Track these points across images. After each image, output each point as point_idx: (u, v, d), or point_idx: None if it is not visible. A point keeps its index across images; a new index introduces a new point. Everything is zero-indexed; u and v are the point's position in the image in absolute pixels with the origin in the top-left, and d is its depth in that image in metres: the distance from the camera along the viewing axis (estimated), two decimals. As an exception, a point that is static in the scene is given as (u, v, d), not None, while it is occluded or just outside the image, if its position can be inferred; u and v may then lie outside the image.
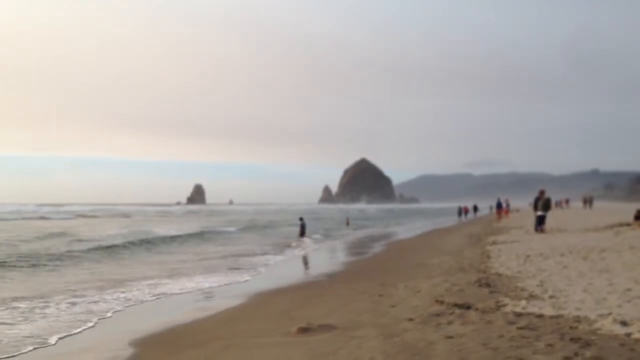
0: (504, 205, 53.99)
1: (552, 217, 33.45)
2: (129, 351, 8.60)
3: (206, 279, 16.74)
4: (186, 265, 21.17)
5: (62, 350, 8.83)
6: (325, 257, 24.96)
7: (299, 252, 26.94)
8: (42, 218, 75.35)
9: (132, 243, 30.45)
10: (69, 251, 25.02)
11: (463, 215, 71.68)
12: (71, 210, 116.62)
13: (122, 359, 8.14)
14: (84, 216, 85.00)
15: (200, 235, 38.75)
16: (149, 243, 31.37)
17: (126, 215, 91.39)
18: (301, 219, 37.25)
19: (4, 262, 20.59)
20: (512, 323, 7.89)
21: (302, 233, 35.54)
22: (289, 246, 30.39)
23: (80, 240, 32.46)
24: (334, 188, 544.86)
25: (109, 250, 26.62)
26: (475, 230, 36.91)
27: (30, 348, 8.82)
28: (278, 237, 38.12)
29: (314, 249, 29.40)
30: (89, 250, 25.85)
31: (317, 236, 38.63)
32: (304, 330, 8.60)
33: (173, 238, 35.36)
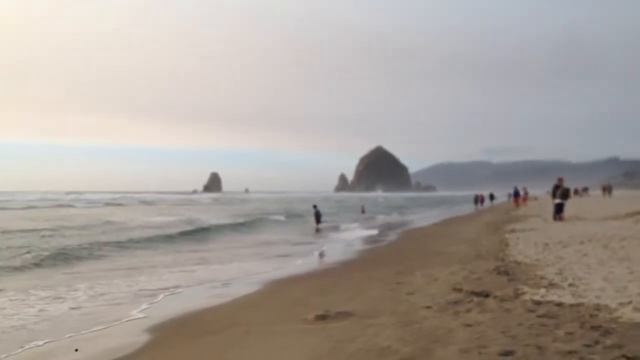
0: (521, 193, 53.65)
1: (571, 205, 33.17)
2: (145, 337, 8.66)
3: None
4: (270, 250, 22.01)
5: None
6: (342, 244, 24.92)
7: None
8: (69, 206, 75.41)
9: (193, 231, 30.60)
10: (130, 240, 25.29)
11: (479, 204, 71.34)
12: (93, 198, 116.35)
13: (138, 345, 8.19)
14: (111, 204, 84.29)
15: (254, 223, 39.10)
16: (204, 230, 31.62)
17: (150, 204, 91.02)
18: (315, 206, 37.30)
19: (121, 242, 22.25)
20: (531, 311, 7.83)
21: (318, 220, 35.54)
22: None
23: (133, 228, 33.00)
24: (350, 176, 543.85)
25: (171, 238, 26.97)
26: (492, 218, 36.74)
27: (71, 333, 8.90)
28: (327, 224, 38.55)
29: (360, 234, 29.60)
30: (154, 237, 26.30)
31: (356, 223, 40.28)
32: (322, 318, 8.60)
33: (233, 226, 35.71)
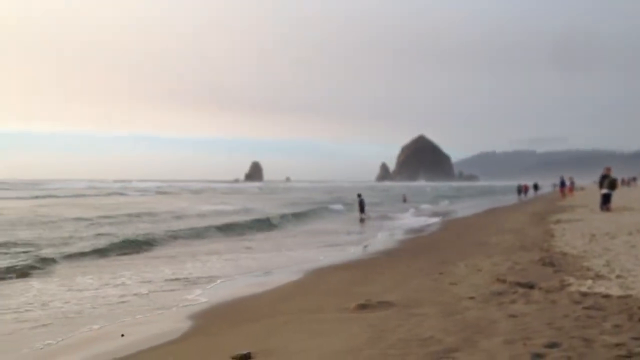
0: (567, 183, 52.65)
1: (619, 196, 32.41)
2: (188, 324, 8.79)
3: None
4: (323, 239, 22.36)
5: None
6: (387, 234, 24.82)
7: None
8: (120, 194, 75.96)
9: (257, 221, 30.64)
10: (191, 228, 25.42)
11: (523, 194, 70.24)
12: (140, 186, 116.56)
13: (180, 332, 8.31)
14: (162, 193, 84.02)
15: (314, 213, 39.28)
16: (268, 220, 31.51)
17: (197, 192, 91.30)
18: (359, 195, 37.01)
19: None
20: (577, 303, 7.68)
21: (362, 209, 35.38)
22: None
23: (192, 216, 33.61)
24: (391, 165, 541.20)
25: (233, 227, 27.10)
26: (537, 208, 36.15)
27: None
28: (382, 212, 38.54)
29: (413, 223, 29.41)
30: (222, 227, 26.47)
31: (402, 213, 40.45)
32: (363, 307, 8.58)
33: (295, 216, 35.78)
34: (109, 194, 74.00)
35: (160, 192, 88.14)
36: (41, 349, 7.62)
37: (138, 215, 33.70)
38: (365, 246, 20.01)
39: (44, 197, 61.59)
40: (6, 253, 16.79)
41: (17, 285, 12.50)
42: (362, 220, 33.08)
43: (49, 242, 19.78)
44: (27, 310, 9.98)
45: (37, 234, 22.61)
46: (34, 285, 12.53)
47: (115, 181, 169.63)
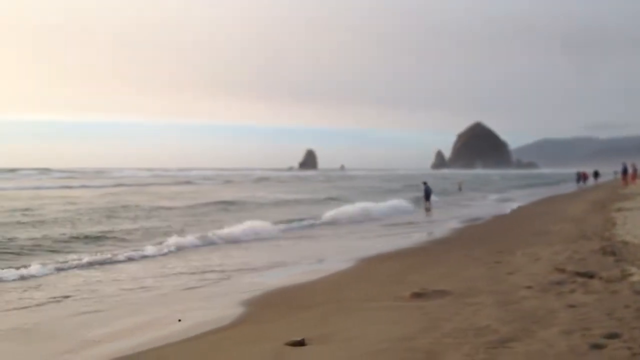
0: (630, 170, 51.05)
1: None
2: (240, 310, 8.93)
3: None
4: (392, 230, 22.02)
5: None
6: (438, 221, 24.59)
7: None
8: (188, 182, 75.37)
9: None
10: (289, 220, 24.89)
11: (582, 182, 68.42)
12: (203, 175, 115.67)
13: (232, 318, 8.45)
14: (228, 182, 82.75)
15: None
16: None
17: (260, 180, 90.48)
18: (425, 183, 36.11)
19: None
20: (639, 293, 7.49)
21: (427, 197, 34.64)
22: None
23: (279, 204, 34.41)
24: (447, 153, 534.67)
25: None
26: (598, 196, 35.22)
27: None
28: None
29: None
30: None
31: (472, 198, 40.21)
32: (418, 295, 8.56)
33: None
34: (179, 183, 73.63)
35: (227, 180, 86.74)
36: (99, 334, 7.87)
37: (221, 203, 34.12)
38: (430, 233, 19.89)
39: (113, 185, 61.56)
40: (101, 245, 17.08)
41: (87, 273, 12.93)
42: (427, 210, 32.45)
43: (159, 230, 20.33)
44: (85, 298, 10.32)
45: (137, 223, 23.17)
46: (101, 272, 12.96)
47: (179, 170, 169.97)
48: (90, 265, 13.54)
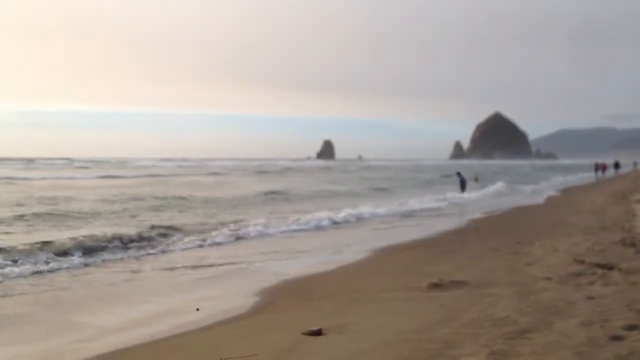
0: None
1: None
2: (259, 299, 8.97)
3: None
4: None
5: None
6: (457, 211, 24.45)
7: None
8: (219, 174, 70.88)
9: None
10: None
11: (600, 172, 67.68)
12: (223, 165, 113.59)
13: (248, 307, 8.49)
14: (262, 172, 78.53)
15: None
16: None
17: (287, 170, 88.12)
18: (459, 173, 35.45)
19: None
20: (660, 285, 7.42)
21: (463, 187, 34.02)
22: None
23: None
24: (466, 143, 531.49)
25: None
26: (618, 187, 34.87)
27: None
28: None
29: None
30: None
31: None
32: (435, 286, 8.53)
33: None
34: (209, 174, 69.41)
35: (259, 171, 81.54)
36: (119, 321, 7.94)
37: (270, 193, 33.98)
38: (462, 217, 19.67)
39: (145, 176, 57.99)
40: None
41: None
42: (462, 198, 31.86)
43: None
44: (111, 284, 10.41)
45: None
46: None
47: (199, 160, 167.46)
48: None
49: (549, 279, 8.39)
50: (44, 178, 49.72)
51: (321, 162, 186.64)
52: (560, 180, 56.75)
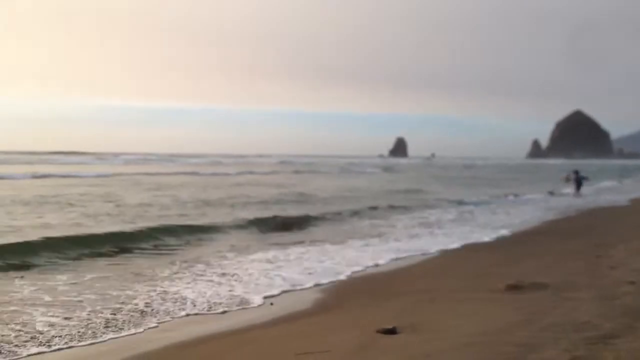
0: None
1: None
2: (333, 296, 8.99)
3: None
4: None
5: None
6: (536, 212, 23.69)
7: None
8: (314, 172, 66.86)
9: None
10: None
11: None
12: (310, 161, 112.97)
13: (325, 304, 8.52)
14: (391, 170, 77.57)
15: None
16: None
17: (387, 169, 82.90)
18: (576, 172, 33.62)
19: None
20: None
21: (578, 187, 32.66)
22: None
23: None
24: (544, 142, 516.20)
25: None
26: None
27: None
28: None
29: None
30: None
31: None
32: (513, 288, 8.35)
33: None
34: (297, 172, 64.68)
35: (345, 169, 76.63)
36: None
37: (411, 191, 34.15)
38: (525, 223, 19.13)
39: (246, 173, 55.19)
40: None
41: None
42: (578, 197, 30.85)
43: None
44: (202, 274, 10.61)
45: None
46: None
47: (282, 155, 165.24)
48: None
49: (633, 283, 8.08)
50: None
51: (402, 160, 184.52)
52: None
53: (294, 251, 12.98)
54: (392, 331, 6.33)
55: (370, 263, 11.69)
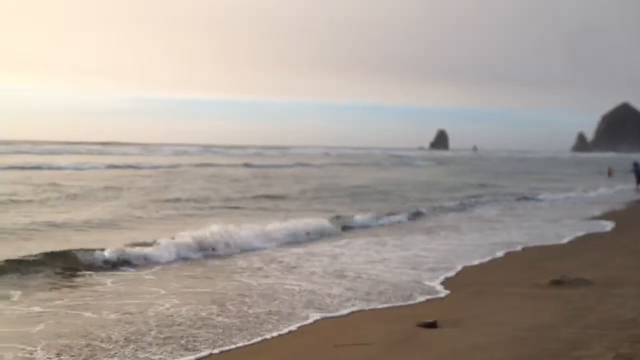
0: None
1: None
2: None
3: None
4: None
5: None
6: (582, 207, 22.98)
7: None
8: (358, 164, 63.75)
9: None
10: None
11: None
12: (356, 153, 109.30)
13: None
14: (442, 163, 73.78)
15: None
16: None
17: (442, 163, 77.21)
18: (636, 164, 32.18)
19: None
20: None
21: (639, 180, 31.44)
22: None
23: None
24: (589, 135, 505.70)
25: None
26: None
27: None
28: None
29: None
30: None
31: None
32: (557, 283, 8.22)
33: None
34: (346, 164, 61.24)
35: (402, 162, 74.96)
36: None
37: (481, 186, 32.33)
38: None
39: (297, 165, 52.68)
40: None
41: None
42: (639, 192, 29.75)
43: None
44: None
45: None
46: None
47: (318, 147, 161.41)
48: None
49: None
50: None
51: (447, 153, 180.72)
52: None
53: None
54: (432, 325, 6.30)
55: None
